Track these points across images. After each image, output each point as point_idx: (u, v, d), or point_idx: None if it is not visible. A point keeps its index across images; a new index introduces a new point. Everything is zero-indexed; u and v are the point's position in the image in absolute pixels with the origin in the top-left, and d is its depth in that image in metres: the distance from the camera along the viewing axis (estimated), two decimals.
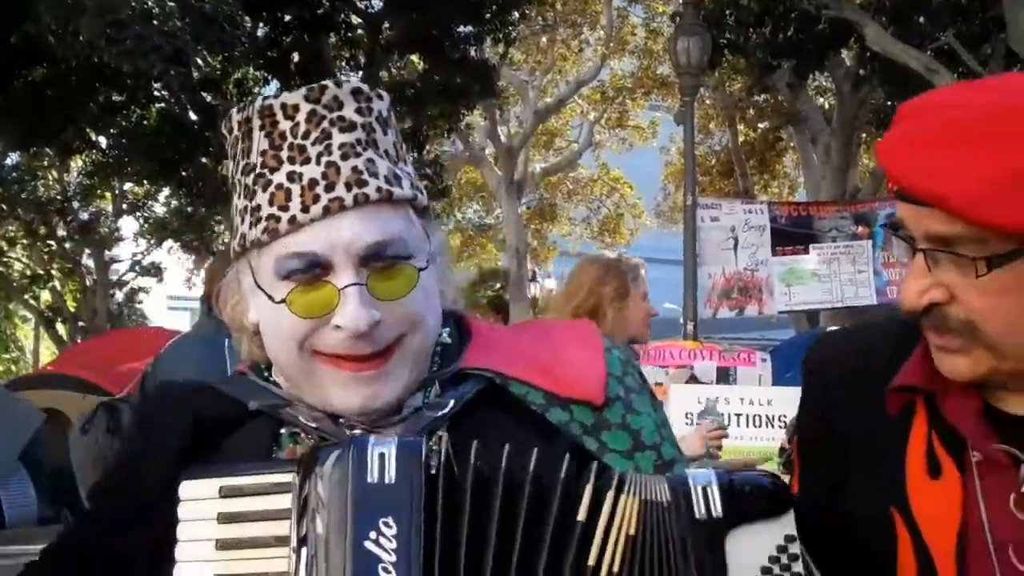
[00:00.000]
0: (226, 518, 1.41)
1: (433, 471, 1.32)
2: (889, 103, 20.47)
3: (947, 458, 1.50)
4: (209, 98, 20.96)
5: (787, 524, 1.36)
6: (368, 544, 1.28)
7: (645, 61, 29.07)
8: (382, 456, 1.32)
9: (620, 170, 33.98)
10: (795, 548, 1.35)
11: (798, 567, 1.35)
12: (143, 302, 34.97)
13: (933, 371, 1.50)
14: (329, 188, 1.47)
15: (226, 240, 24.61)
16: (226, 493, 1.41)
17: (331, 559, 1.29)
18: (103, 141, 22.18)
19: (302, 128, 1.50)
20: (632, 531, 1.33)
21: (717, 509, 1.34)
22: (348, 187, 1.48)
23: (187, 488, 1.43)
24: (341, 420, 1.55)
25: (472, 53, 21.63)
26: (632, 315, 4.87)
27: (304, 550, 1.32)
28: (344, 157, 1.49)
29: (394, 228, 1.51)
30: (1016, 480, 1.46)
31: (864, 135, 23.16)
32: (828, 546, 1.48)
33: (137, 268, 31.15)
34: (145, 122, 20.79)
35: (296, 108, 1.50)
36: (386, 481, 1.31)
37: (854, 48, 19.51)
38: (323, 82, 1.54)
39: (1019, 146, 1.32)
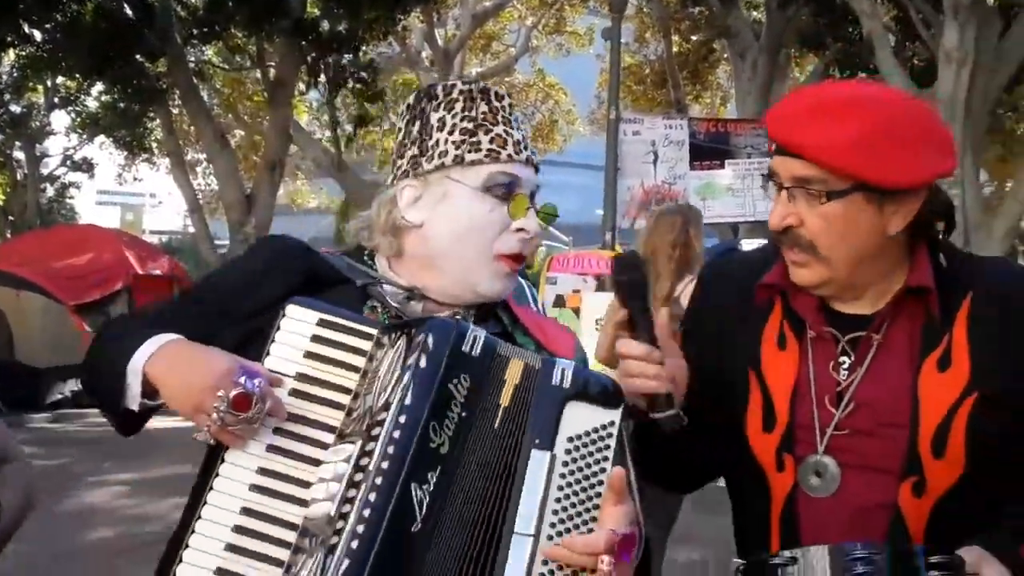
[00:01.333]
0: (312, 355, 1.89)
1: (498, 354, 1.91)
2: (815, 23, 20.93)
3: (791, 336, 2.13)
4: None
5: (613, 415, 1.89)
6: (451, 387, 1.82)
7: None
8: (474, 338, 1.88)
9: (556, 76, 34.17)
10: (612, 430, 1.88)
11: (610, 443, 1.87)
12: (74, 197, 34.83)
13: (787, 274, 2.11)
14: (526, 148, 2.19)
15: (157, 136, 24.44)
16: (322, 323, 1.92)
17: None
18: (37, 35, 21.98)
19: (508, 110, 2.22)
20: (516, 381, 1.88)
21: (567, 383, 1.88)
22: (531, 152, 2.21)
23: (292, 309, 1.93)
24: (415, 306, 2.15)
25: None
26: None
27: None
28: (526, 136, 2.23)
29: (538, 184, 2.23)
30: (835, 352, 2.09)
31: (793, 52, 23.59)
32: (701, 398, 2.12)
33: (68, 163, 31.04)
34: (81, 17, 20.64)
35: (502, 97, 2.23)
36: (474, 353, 1.87)
37: None
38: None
39: (860, 122, 1.94)
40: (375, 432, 1.78)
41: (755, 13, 25.46)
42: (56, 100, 28.80)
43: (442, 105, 2.20)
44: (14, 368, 16.40)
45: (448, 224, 2.14)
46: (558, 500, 1.81)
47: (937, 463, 1.96)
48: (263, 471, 1.82)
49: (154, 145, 28.56)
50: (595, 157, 26.02)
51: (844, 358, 2.08)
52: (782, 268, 2.12)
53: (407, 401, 1.77)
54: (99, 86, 26.00)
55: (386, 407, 1.80)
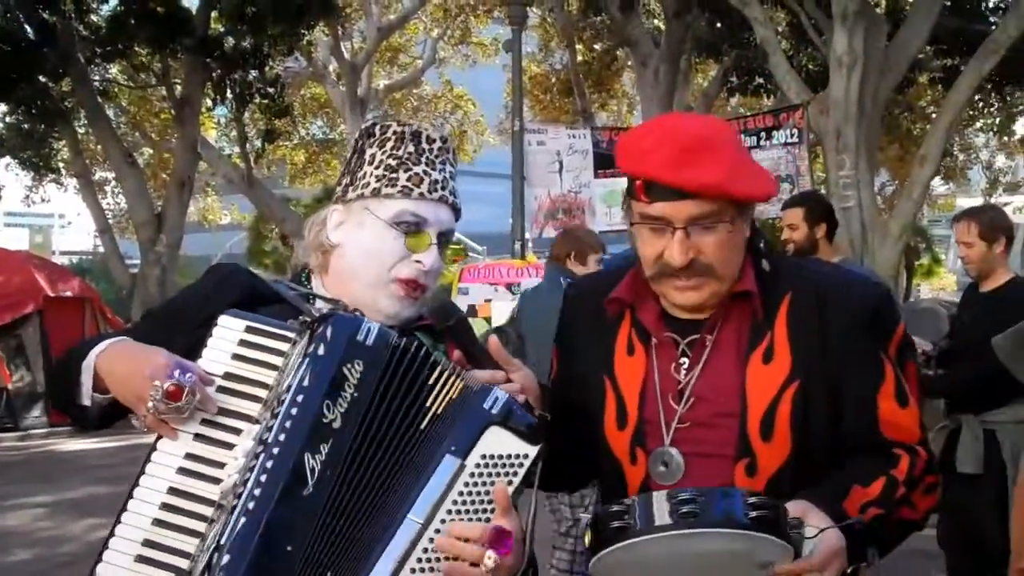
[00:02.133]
0: (238, 357, 2.13)
1: (395, 347, 2.13)
2: (712, 31, 21.35)
3: (638, 343, 2.39)
4: (46, 15, 20.74)
5: (529, 449, 2.11)
6: (345, 370, 2.08)
7: None
8: (368, 329, 2.12)
9: (463, 87, 34.34)
10: (525, 462, 2.12)
11: (520, 472, 2.12)
12: None
13: (635, 290, 2.38)
14: (443, 188, 2.42)
15: (64, 157, 24.09)
16: (248, 329, 2.15)
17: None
18: None
19: (435, 152, 2.44)
20: (454, 396, 2.13)
21: (495, 409, 2.12)
22: (449, 193, 2.44)
23: (224, 319, 2.17)
24: None
25: None
26: None
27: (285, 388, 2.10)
28: (450, 177, 2.46)
29: (454, 224, 2.47)
30: (676, 354, 2.34)
31: (693, 59, 24.01)
32: (563, 402, 2.38)
33: None
34: None
35: (433, 140, 2.45)
36: (368, 342, 2.11)
37: None
38: (445, 135, 2.54)
39: (722, 152, 2.18)
40: (276, 411, 2.06)
41: (656, 21, 25.89)
42: None
43: (376, 142, 2.45)
44: None
45: (358, 248, 2.40)
46: (454, 502, 2.08)
47: (765, 445, 2.24)
48: (189, 456, 2.07)
49: (61, 165, 28.20)
50: (505, 167, 26.13)
51: (684, 359, 2.34)
52: (628, 283, 2.40)
53: (305, 383, 2.07)
54: (2, 107, 25.65)
55: (287, 389, 2.07)
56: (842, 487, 2.17)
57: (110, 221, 26.08)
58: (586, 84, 27.81)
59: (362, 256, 2.40)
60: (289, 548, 1.97)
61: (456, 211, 2.49)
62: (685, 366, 2.34)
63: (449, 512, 2.06)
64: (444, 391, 2.14)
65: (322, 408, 2.05)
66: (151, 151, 30.96)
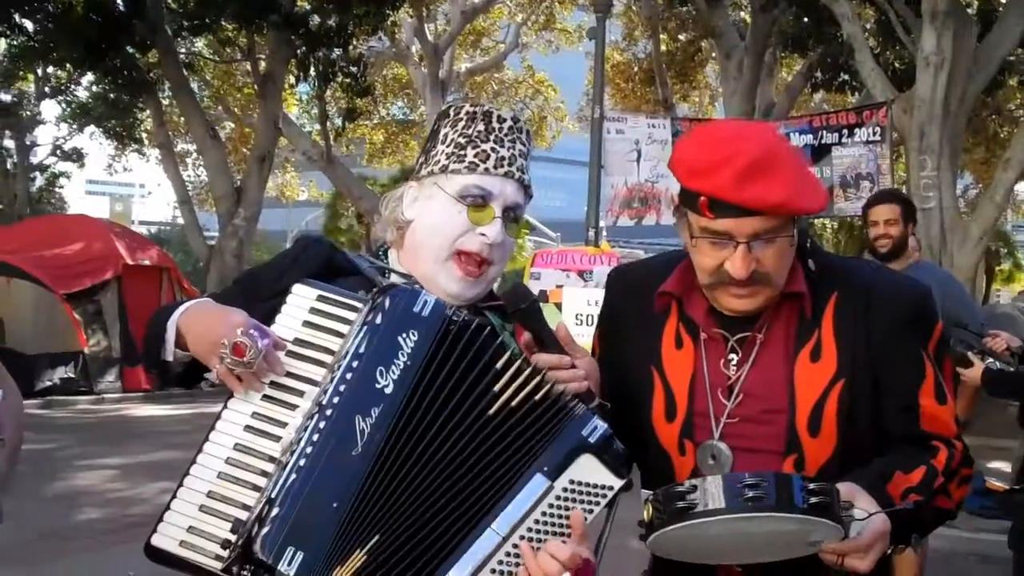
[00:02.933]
0: (308, 324, 2.22)
1: (451, 322, 2.21)
2: (798, 25, 21.15)
3: (687, 337, 2.45)
4: None
5: (616, 481, 2.19)
6: (399, 339, 2.16)
7: None
8: (425, 301, 2.21)
9: (545, 73, 34.35)
10: (608, 493, 2.18)
11: (602, 501, 2.18)
12: (63, 187, 34.87)
13: (685, 283, 2.44)
14: (510, 164, 2.50)
15: (147, 127, 24.50)
16: (320, 298, 2.25)
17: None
18: (29, 25, 22.11)
19: (504, 130, 2.53)
20: (537, 398, 2.19)
21: (593, 438, 2.19)
22: (516, 169, 2.51)
23: (298, 287, 2.27)
24: None
25: None
26: None
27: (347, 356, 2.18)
28: (519, 155, 2.53)
29: (522, 200, 2.55)
30: (725, 350, 2.40)
31: (778, 53, 23.82)
32: (612, 397, 2.40)
33: (58, 153, 31.12)
34: (73, 8, 20.78)
35: (503, 119, 2.55)
36: (423, 313, 2.20)
37: None
38: (518, 115, 2.63)
39: (784, 169, 2.22)
40: (334, 376, 2.15)
41: (741, 14, 25.70)
42: (47, 90, 28.86)
43: (450, 123, 2.57)
44: (4, 354, 16.59)
45: (426, 221, 2.51)
46: (536, 521, 2.15)
47: (813, 441, 2.31)
48: (256, 415, 2.16)
49: (144, 136, 28.67)
50: (583, 154, 26.14)
51: (732, 355, 2.41)
52: (678, 277, 2.47)
53: (361, 349, 2.16)
54: (90, 76, 26.12)
55: (346, 355, 2.16)
56: (886, 473, 2.26)
57: (190, 193, 26.44)
58: (668, 74, 27.68)
59: (429, 230, 2.49)
60: (335, 504, 2.05)
61: (525, 188, 2.55)
62: (734, 362, 2.41)
63: (529, 529, 2.14)
64: (517, 382, 2.20)
65: (375, 374, 2.13)
66: (233, 125, 31.36)
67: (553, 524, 2.15)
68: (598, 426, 2.21)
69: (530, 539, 2.13)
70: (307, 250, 2.49)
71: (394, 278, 2.47)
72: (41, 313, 17.64)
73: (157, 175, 36.81)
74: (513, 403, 2.18)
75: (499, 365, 2.19)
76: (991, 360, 5.77)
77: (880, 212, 6.09)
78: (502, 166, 2.49)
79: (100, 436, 13.89)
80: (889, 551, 2.21)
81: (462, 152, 2.50)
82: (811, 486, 2.01)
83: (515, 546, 2.13)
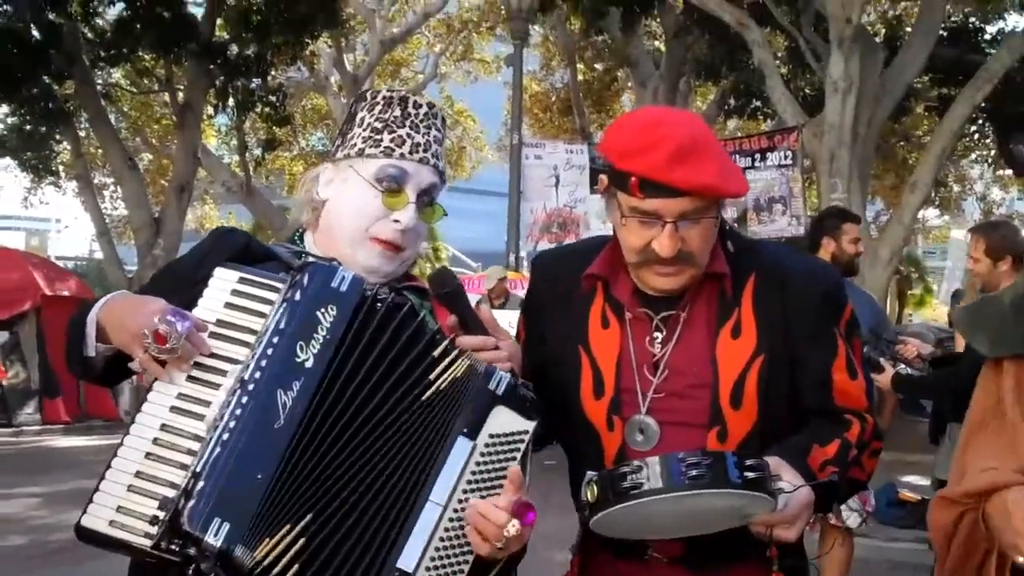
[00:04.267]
0: (230, 305, 2.26)
1: (374, 298, 2.28)
2: (711, 53, 21.52)
3: (613, 317, 2.55)
4: (53, 17, 20.79)
5: (528, 425, 2.30)
6: (318, 314, 2.22)
7: None
8: (343, 277, 2.26)
9: (464, 103, 34.46)
10: (525, 437, 2.30)
11: (520, 447, 2.29)
12: None
13: (610, 265, 2.54)
14: (425, 150, 2.56)
15: (64, 159, 24.05)
16: (241, 280, 2.29)
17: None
18: None
19: (421, 116, 2.59)
20: (459, 375, 2.28)
21: (500, 390, 2.29)
22: (431, 155, 2.58)
23: (219, 271, 2.31)
24: None
25: None
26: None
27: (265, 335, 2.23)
28: (434, 141, 2.59)
29: (437, 184, 2.60)
30: (650, 329, 2.51)
31: (692, 80, 24.18)
32: (538, 377, 2.50)
33: None
34: None
35: (419, 105, 2.60)
36: (341, 289, 2.26)
37: None
38: (433, 101, 2.67)
39: (711, 153, 2.34)
40: (255, 352, 2.21)
41: (656, 43, 26.07)
42: None
43: (366, 106, 2.62)
44: None
45: (341, 204, 2.57)
46: (468, 482, 2.25)
47: (735, 413, 2.44)
48: (181, 396, 2.21)
49: (60, 168, 28.30)
50: (502, 185, 26.16)
51: (657, 334, 2.53)
52: (604, 259, 2.57)
53: (281, 326, 2.23)
54: (4, 107, 25.70)
55: (266, 332, 2.23)
56: (804, 446, 2.39)
57: (108, 225, 26.14)
58: (586, 103, 27.99)
59: (345, 213, 2.55)
60: (259, 476, 2.10)
61: (440, 174, 2.61)
62: (659, 340, 2.52)
63: (464, 492, 2.23)
64: (444, 363, 2.29)
65: (296, 349, 2.19)
66: (151, 157, 31.07)
67: (484, 480, 2.25)
68: (502, 377, 2.31)
69: (467, 500, 2.21)
70: (223, 239, 2.54)
71: (311, 261, 2.48)
72: None
73: (73, 209, 36.24)
74: (439, 383, 2.26)
75: (436, 352, 2.28)
76: (902, 366, 6.00)
77: (858, 230, 6.51)
78: (417, 152, 2.55)
79: (20, 466, 13.69)
80: (811, 520, 2.40)
81: (378, 136, 2.55)
82: (747, 462, 2.14)
83: (455, 511, 2.21)
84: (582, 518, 2.25)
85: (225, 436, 2.12)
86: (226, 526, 2.05)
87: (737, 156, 15.53)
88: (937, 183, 16.86)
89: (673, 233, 2.35)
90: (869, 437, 2.51)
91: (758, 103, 23.22)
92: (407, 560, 2.18)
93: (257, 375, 2.17)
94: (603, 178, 2.52)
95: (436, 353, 2.29)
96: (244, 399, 2.15)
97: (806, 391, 2.48)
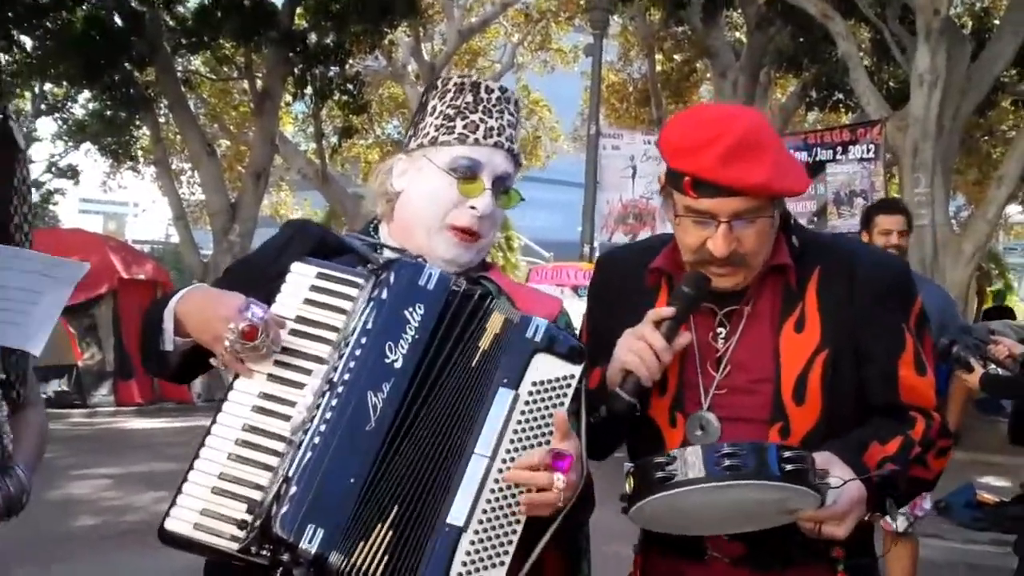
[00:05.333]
0: (309, 301, 2.24)
1: (455, 291, 2.25)
2: (793, 45, 21.26)
3: None
4: (136, 4, 21.09)
5: (574, 369, 2.26)
6: (406, 313, 2.20)
7: None
8: (430, 274, 2.24)
9: (540, 92, 34.40)
10: (572, 382, 2.25)
11: (568, 392, 2.24)
12: (57, 203, 34.91)
13: (674, 260, 2.49)
14: (499, 134, 2.51)
15: (143, 144, 24.44)
16: (320, 276, 2.26)
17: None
18: (27, 41, 22.11)
19: (493, 101, 2.53)
20: (497, 331, 2.24)
21: (538, 337, 2.24)
22: (506, 139, 2.52)
23: (297, 266, 2.28)
24: None
25: None
26: None
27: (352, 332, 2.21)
28: (508, 125, 2.53)
29: (512, 170, 2.54)
30: (713, 323, 2.47)
31: (773, 72, 23.93)
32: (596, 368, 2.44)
33: (53, 170, 31.14)
34: (71, 25, 20.80)
35: (491, 89, 2.55)
36: (429, 287, 2.23)
37: None
38: (505, 86, 2.60)
39: (767, 151, 2.28)
40: (343, 352, 2.17)
41: (737, 34, 25.81)
42: (43, 107, 28.91)
43: (438, 94, 2.57)
44: None
45: (416, 194, 2.51)
46: (515, 432, 2.19)
47: (798, 409, 2.37)
48: (263, 395, 2.18)
49: (139, 153, 28.67)
50: (578, 175, 26.18)
51: (720, 329, 2.48)
52: (668, 255, 2.53)
53: (369, 325, 2.19)
54: (86, 93, 26.09)
55: (353, 332, 2.19)
56: (862, 443, 2.33)
57: (185, 210, 26.45)
58: (664, 94, 27.80)
59: (420, 202, 2.50)
60: (352, 480, 2.07)
61: (515, 157, 2.55)
62: (722, 335, 2.48)
63: (512, 441, 2.18)
64: (491, 328, 2.25)
65: (384, 349, 2.16)
66: (228, 143, 31.38)
67: (532, 429, 2.21)
68: (539, 324, 2.27)
69: (516, 450, 2.17)
70: (299, 232, 2.51)
71: (387, 253, 2.47)
72: None
73: (151, 193, 36.86)
74: (487, 348, 2.24)
75: (486, 322, 2.25)
76: (992, 366, 5.83)
77: (894, 222, 6.13)
78: (491, 136, 2.50)
79: (94, 447, 13.87)
80: (866, 518, 2.30)
81: (451, 123, 2.51)
82: (787, 454, 2.07)
83: (504, 463, 2.16)
84: (622, 510, 2.20)
85: (316, 440, 2.09)
86: (320, 532, 2.02)
87: (819, 149, 15.32)
88: (1022, 178, 16.47)
89: (727, 233, 2.32)
90: (935, 435, 2.42)
91: (840, 95, 22.96)
92: (457, 514, 2.12)
93: (346, 377, 2.14)
94: (660, 176, 2.48)
95: (486, 322, 2.26)
96: (334, 401, 2.12)
97: (871, 386, 2.42)
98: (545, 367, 2.24)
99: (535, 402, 2.22)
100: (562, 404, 2.23)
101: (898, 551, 6.10)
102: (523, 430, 2.20)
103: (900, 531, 6.17)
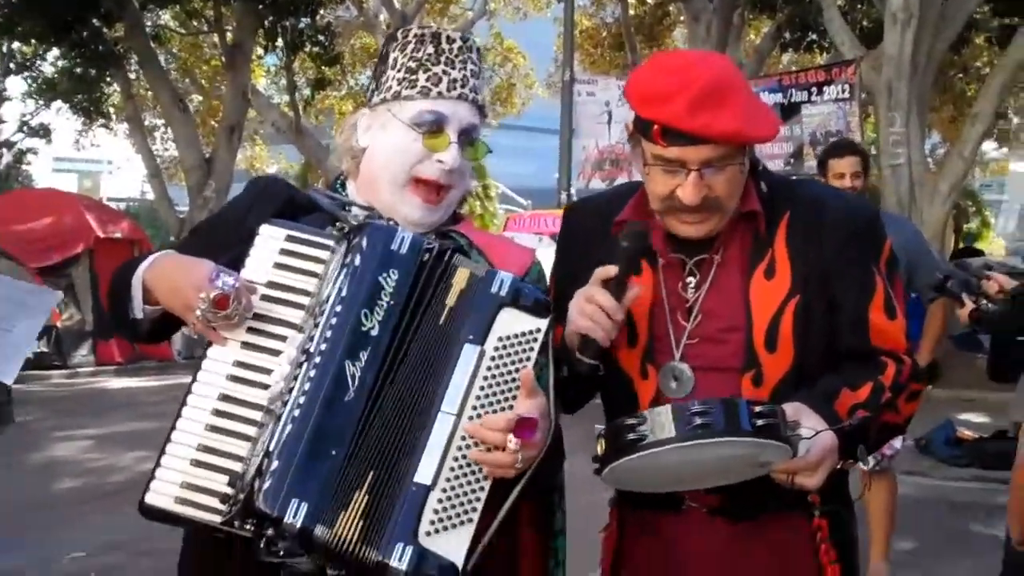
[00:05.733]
0: (280, 265, 2.20)
1: (428, 251, 2.22)
2: None
3: (645, 263, 2.46)
4: None
5: (540, 323, 2.23)
6: (380, 279, 2.16)
7: None
8: (402, 238, 2.20)
9: (513, 39, 34.18)
10: (538, 336, 2.23)
11: (535, 346, 2.22)
12: (31, 163, 34.61)
13: (641, 211, 2.47)
14: (463, 85, 2.46)
15: (115, 102, 24.26)
16: (289, 238, 2.23)
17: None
18: None
19: (455, 51, 2.47)
20: (463, 286, 2.22)
21: (503, 292, 2.21)
22: (470, 91, 2.48)
23: (265, 228, 2.24)
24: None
25: None
26: None
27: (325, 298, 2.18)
28: (471, 75, 2.48)
29: (477, 121, 2.51)
30: (683, 273, 2.45)
31: (746, 14, 23.82)
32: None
33: (25, 129, 30.86)
34: None
35: (452, 40, 2.49)
36: (402, 251, 2.19)
37: None
38: (467, 35, 2.56)
39: (735, 97, 2.25)
40: (318, 321, 2.15)
41: None
42: (12, 66, 28.56)
43: (398, 46, 2.51)
44: None
45: (381, 150, 2.47)
46: (481, 388, 2.18)
47: (770, 356, 2.37)
48: (238, 363, 2.15)
49: (111, 111, 28.41)
50: (553, 121, 25.98)
51: (690, 278, 2.45)
52: (635, 206, 2.50)
53: (343, 293, 2.16)
54: (56, 51, 25.80)
55: (327, 300, 2.16)
56: (832, 390, 2.32)
57: (159, 166, 26.26)
58: (637, 38, 27.62)
59: (385, 158, 2.46)
60: (334, 452, 2.06)
61: (480, 108, 2.52)
62: (692, 284, 2.45)
63: (478, 398, 2.17)
64: (456, 284, 2.23)
65: (360, 317, 2.14)
66: (200, 98, 31.12)
67: (499, 384, 2.19)
68: (504, 278, 2.24)
69: (482, 407, 2.16)
70: (265, 190, 2.47)
71: (355, 211, 2.44)
72: None
73: (125, 150, 36.47)
74: (453, 304, 2.22)
75: (453, 281, 2.23)
76: (984, 301, 5.83)
77: (846, 164, 6.03)
78: (455, 88, 2.46)
79: (75, 408, 13.87)
80: (839, 466, 2.30)
81: (413, 77, 2.46)
82: (757, 409, 2.06)
83: (470, 419, 2.15)
84: (596, 472, 2.18)
85: (296, 412, 2.08)
86: (304, 505, 2.02)
87: (793, 90, 15.30)
88: (997, 115, 16.50)
89: (697, 181, 2.29)
90: (906, 379, 2.41)
91: (814, 36, 22.87)
92: (424, 473, 2.11)
93: (323, 347, 2.12)
94: (627, 124, 2.44)
95: (452, 279, 2.24)
96: (312, 372, 2.11)
97: (841, 331, 2.41)
98: (510, 322, 2.21)
99: (501, 358, 2.20)
100: (528, 359, 2.21)
101: (876, 489, 6.11)
102: (489, 387, 2.18)
103: (866, 468, 6.18)
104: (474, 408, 2.16)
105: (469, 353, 2.18)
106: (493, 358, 2.19)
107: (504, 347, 2.20)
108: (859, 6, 21.22)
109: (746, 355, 2.37)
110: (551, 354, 2.28)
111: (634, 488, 2.32)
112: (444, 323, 2.20)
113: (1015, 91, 26.96)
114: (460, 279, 2.23)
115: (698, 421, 2.03)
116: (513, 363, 2.20)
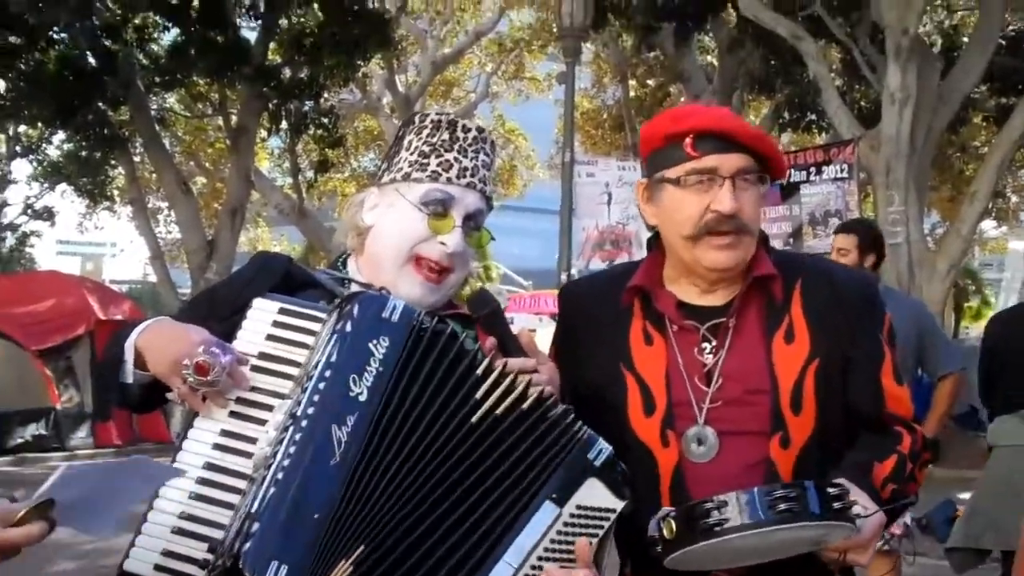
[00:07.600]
0: (272, 337, 2.21)
1: (421, 327, 2.19)
2: (765, 67, 21.37)
3: (656, 333, 2.47)
4: (109, 44, 21.06)
5: (617, 504, 2.20)
6: (370, 345, 2.13)
7: (543, 13, 29.38)
8: (394, 306, 2.18)
9: (515, 121, 34.47)
10: (612, 516, 2.20)
11: (605, 524, 2.19)
12: (34, 246, 34.78)
13: (652, 277, 2.51)
14: (472, 175, 2.50)
15: (119, 184, 24.36)
16: (282, 311, 2.24)
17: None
18: (0, 84, 22.07)
19: (469, 140, 2.53)
20: (525, 406, 2.19)
21: (599, 461, 2.21)
22: (479, 180, 2.52)
23: (258, 301, 2.26)
24: None
25: (369, 3, 22.10)
26: None
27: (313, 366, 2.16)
28: (483, 166, 2.54)
29: (483, 208, 2.54)
30: (697, 339, 2.44)
31: (745, 95, 24.04)
32: (577, 403, 2.36)
33: (29, 212, 31.06)
34: (44, 66, 20.74)
35: (468, 129, 2.55)
36: (393, 319, 2.17)
37: (732, 13, 20.35)
38: (482, 126, 2.63)
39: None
40: (306, 386, 2.13)
41: (708, 57, 25.93)
42: (18, 149, 28.83)
43: (414, 130, 2.57)
44: None
45: (386, 227, 2.49)
46: (545, 550, 2.16)
47: (796, 418, 2.37)
48: (224, 432, 2.14)
49: (115, 193, 28.58)
50: (554, 202, 26.06)
51: (705, 344, 2.45)
52: (645, 272, 2.53)
53: (332, 358, 2.14)
54: (61, 134, 26.01)
55: (316, 365, 2.14)
56: (866, 463, 2.35)
57: (162, 248, 26.37)
58: (638, 120, 27.84)
59: (389, 236, 2.48)
60: (316, 515, 2.02)
61: (487, 199, 2.55)
62: (708, 350, 2.44)
63: (539, 558, 2.14)
64: (499, 389, 2.18)
65: (348, 382, 2.11)
66: (204, 180, 31.33)
67: (560, 551, 2.16)
68: (603, 448, 2.22)
69: (539, 567, 2.14)
70: (264, 266, 2.48)
71: (354, 288, 2.43)
72: (13, 370, 17.44)
73: (128, 233, 36.68)
74: (498, 411, 2.17)
75: (479, 372, 2.19)
76: None
77: (837, 240, 6.33)
78: (464, 176, 2.49)
79: None
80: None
81: (425, 160, 2.49)
82: (831, 491, 2.08)
83: (526, 574, 2.13)
84: (653, 553, 2.17)
85: (280, 475, 2.04)
86: (284, 568, 1.98)
87: (793, 170, 15.35)
88: (995, 194, 16.59)
89: (732, 189, 2.35)
90: (920, 448, 2.46)
91: (812, 116, 23.06)
92: None
93: (310, 410, 2.09)
94: (640, 182, 2.50)
95: (479, 371, 2.19)
96: (297, 435, 2.07)
97: (858, 396, 2.44)
98: (593, 493, 2.20)
99: (573, 525, 2.18)
100: (595, 535, 2.20)
101: (880, 568, 6.09)
102: (552, 549, 2.16)
103: (878, 548, 6.15)
104: (532, 567, 2.14)
105: (547, 511, 2.17)
106: (566, 523, 2.18)
107: (580, 516, 2.19)
108: (857, 87, 21.41)
109: (773, 418, 2.37)
110: (611, 534, 2.27)
111: (693, 568, 2.27)
112: (479, 424, 2.16)
113: (1013, 169, 27.14)
114: (512, 389, 2.19)
115: (782, 506, 2.04)
116: (579, 535, 2.18)
